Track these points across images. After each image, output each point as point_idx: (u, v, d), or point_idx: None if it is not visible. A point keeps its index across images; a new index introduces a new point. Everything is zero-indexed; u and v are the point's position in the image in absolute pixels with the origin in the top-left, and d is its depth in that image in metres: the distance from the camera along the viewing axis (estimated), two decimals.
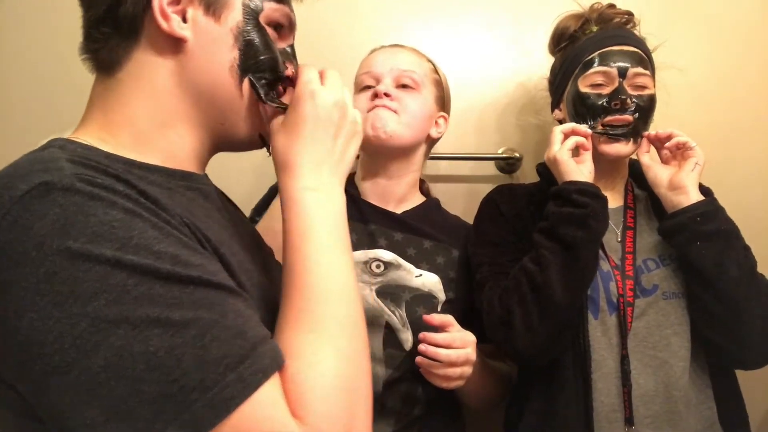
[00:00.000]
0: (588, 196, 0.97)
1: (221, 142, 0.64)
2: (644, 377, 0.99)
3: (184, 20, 0.57)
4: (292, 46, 0.67)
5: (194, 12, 0.57)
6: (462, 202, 1.40)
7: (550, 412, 1.00)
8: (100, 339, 0.40)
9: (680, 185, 1.01)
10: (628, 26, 1.13)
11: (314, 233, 0.55)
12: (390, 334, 1.01)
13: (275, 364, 0.46)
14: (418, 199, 1.19)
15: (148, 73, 0.57)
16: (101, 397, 0.40)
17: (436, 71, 1.18)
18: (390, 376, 1.00)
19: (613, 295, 1.02)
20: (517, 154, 1.46)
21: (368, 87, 1.11)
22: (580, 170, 1.01)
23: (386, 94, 1.07)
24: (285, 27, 0.65)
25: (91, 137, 0.55)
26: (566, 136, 1.05)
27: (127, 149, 0.55)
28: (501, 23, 1.48)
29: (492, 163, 1.48)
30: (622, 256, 1.05)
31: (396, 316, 1.01)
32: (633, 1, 1.46)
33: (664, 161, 1.08)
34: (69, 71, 1.32)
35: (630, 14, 1.14)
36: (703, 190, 1.07)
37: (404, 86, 1.10)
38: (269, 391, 0.44)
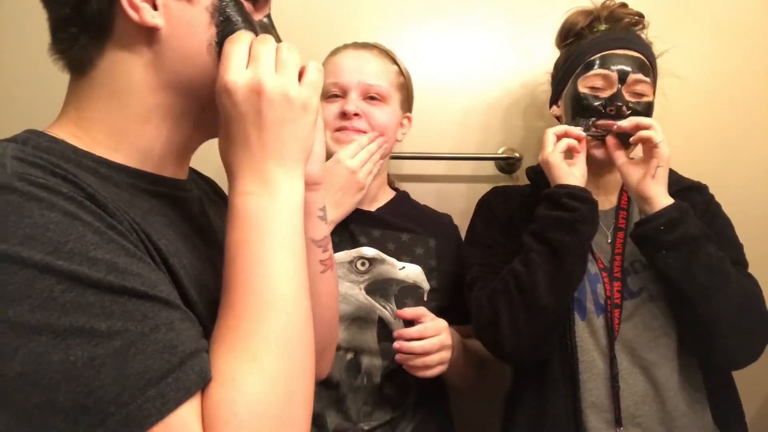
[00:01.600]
0: (578, 200, 0.97)
1: (207, 131, 0.61)
2: (633, 378, 0.99)
3: (155, 8, 0.53)
4: (269, 17, 0.64)
5: None
6: (462, 202, 1.40)
7: (541, 413, 1.01)
8: (20, 344, 0.39)
9: (643, 194, 0.98)
10: (637, 27, 1.11)
11: (251, 242, 0.50)
12: (383, 328, 1.06)
13: (201, 380, 0.43)
14: (389, 194, 1.23)
15: (124, 68, 0.54)
16: (15, 404, 0.39)
17: (401, 73, 1.19)
18: (387, 368, 1.05)
19: (600, 297, 1.02)
20: (517, 154, 1.46)
21: (335, 95, 1.12)
22: (572, 173, 1.01)
23: (355, 114, 1.09)
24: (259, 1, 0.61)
25: (64, 133, 0.54)
26: (559, 138, 1.05)
27: (101, 147, 0.54)
28: (501, 23, 1.48)
29: (492, 163, 1.48)
30: (611, 258, 1.05)
31: (387, 310, 1.05)
32: (636, 2, 1.46)
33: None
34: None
35: (640, 15, 1.11)
36: (687, 189, 1.07)
37: (371, 98, 1.12)
38: (187, 414, 0.41)
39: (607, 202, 1.11)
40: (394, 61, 1.18)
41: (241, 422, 0.42)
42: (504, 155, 1.47)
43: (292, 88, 0.52)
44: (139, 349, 0.41)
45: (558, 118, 1.17)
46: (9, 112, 1.38)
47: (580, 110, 1.05)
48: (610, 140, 1.03)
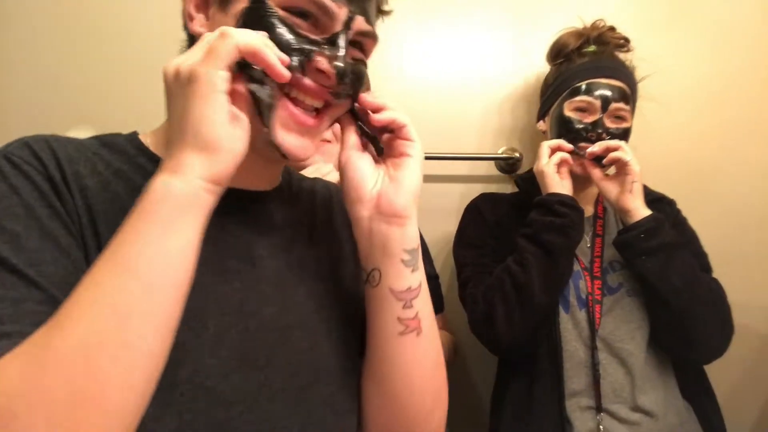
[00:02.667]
0: (568, 207, 1.08)
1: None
2: (612, 367, 1.09)
3: (207, 18, 0.58)
4: (335, 35, 0.56)
5: (213, 10, 0.58)
6: (462, 202, 1.41)
7: (527, 400, 1.10)
8: None
9: (624, 208, 1.09)
10: (623, 50, 1.21)
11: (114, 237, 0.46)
12: None
13: None
14: None
15: None
16: None
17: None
18: None
19: (582, 292, 1.12)
20: (517, 154, 1.47)
21: None
22: (562, 184, 1.11)
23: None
24: (314, 15, 0.55)
25: (155, 130, 0.62)
26: (553, 151, 1.14)
27: (160, 145, 0.59)
28: (501, 23, 1.49)
29: (492, 163, 1.48)
30: (591, 259, 1.16)
31: None
32: (636, 3, 1.47)
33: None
34: (69, 71, 1.37)
35: (627, 40, 1.22)
36: (657, 201, 1.19)
37: None
38: None
39: (585, 210, 1.20)
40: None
41: None
42: (504, 155, 1.47)
43: (185, 62, 0.48)
44: None
45: (543, 133, 1.27)
46: (9, 112, 1.38)
47: (564, 131, 1.16)
48: (587, 162, 1.14)
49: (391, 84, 1.46)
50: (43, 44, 1.38)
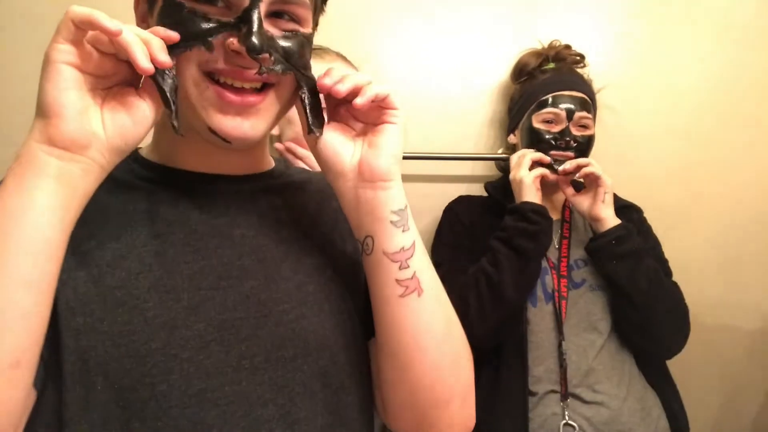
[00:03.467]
0: (541, 216, 1.18)
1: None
2: (576, 356, 1.18)
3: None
4: (245, 13, 0.55)
5: (149, 17, 0.59)
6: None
7: (495, 390, 1.18)
8: None
9: (596, 217, 1.20)
10: (579, 66, 1.34)
11: None
12: None
13: None
14: None
15: None
16: None
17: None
18: None
19: (548, 287, 1.22)
20: None
21: None
22: (536, 194, 1.21)
23: None
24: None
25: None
26: (534, 162, 1.24)
27: (146, 150, 0.66)
28: (501, 23, 1.49)
29: (492, 163, 1.50)
30: (559, 258, 1.26)
31: None
32: (637, 3, 1.44)
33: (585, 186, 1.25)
34: None
35: (582, 56, 1.37)
36: (625, 208, 1.29)
37: None
38: None
39: (553, 214, 1.30)
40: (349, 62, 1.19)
41: None
42: (504, 155, 1.48)
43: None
44: None
45: (514, 145, 1.37)
46: (9, 112, 1.39)
47: (535, 142, 1.27)
48: (561, 179, 1.25)
49: (390, 85, 1.49)
50: (43, 44, 1.43)
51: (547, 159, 1.24)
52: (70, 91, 0.48)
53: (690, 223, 1.53)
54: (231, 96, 0.55)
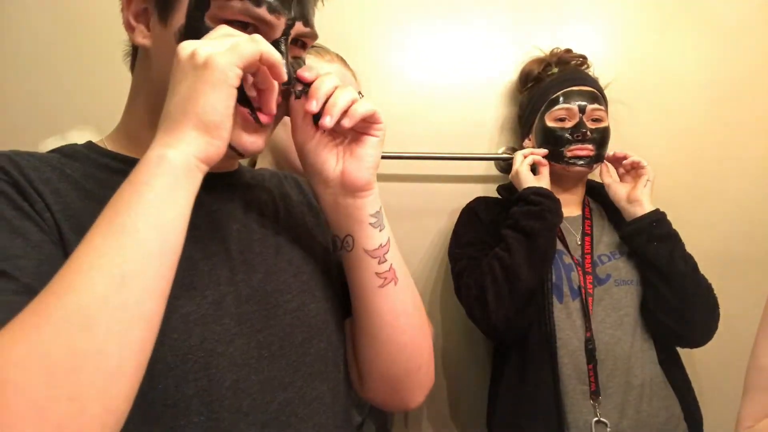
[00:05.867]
0: (542, 196, 1.21)
1: None
2: (604, 354, 1.17)
3: (149, 29, 0.60)
4: (277, 42, 0.59)
5: (153, 22, 0.60)
6: (462, 202, 1.41)
7: (522, 389, 1.17)
8: None
9: (636, 199, 1.24)
10: (583, 67, 1.35)
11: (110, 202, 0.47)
12: None
13: None
14: None
15: (135, 80, 0.65)
16: None
17: (354, 76, 1.15)
18: None
19: (574, 283, 1.22)
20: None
21: None
22: (536, 181, 1.25)
23: None
24: (252, 26, 0.58)
25: (110, 135, 0.67)
26: (525, 157, 1.29)
27: (119, 145, 0.64)
28: (502, 24, 1.50)
29: (492, 163, 1.48)
30: (582, 255, 1.26)
31: None
32: (637, 3, 1.48)
33: (621, 178, 1.31)
34: (69, 71, 1.36)
35: (584, 57, 1.37)
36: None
37: None
38: None
39: (575, 210, 1.34)
40: (348, 66, 1.15)
41: None
42: (504, 155, 1.47)
43: (204, 47, 0.50)
44: None
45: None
46: (9, 112, 1.38)
47: (552, 140, 1.28)
48: (603, 167, 1.31)
49: (392, 85, 1.47)
50: (43, 44, 1.38)
51: (538, 151, 1.29)
52: (231, 115, 0.51)
53: (691, 223, 1.56)
54: (265, 118, 0.59)
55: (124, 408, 0.43)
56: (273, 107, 0.57)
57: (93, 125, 1.13)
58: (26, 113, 1.36)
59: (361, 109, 0.58)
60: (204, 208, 0.62)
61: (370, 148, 0.62)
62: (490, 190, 1.43)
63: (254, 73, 0.54)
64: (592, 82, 1.32)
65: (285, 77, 0.54)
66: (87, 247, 0.44)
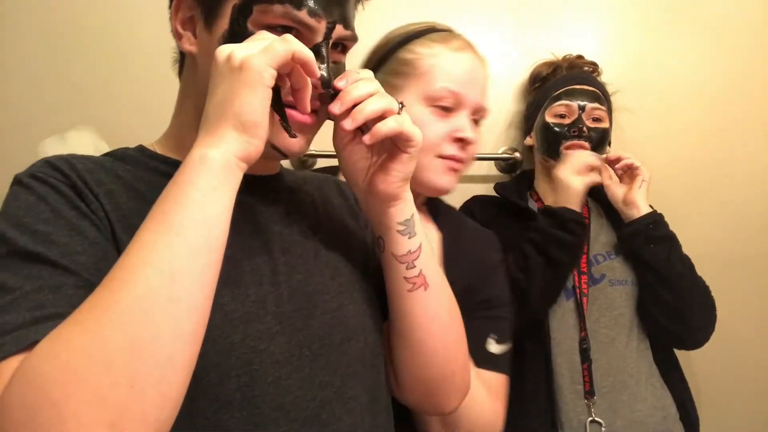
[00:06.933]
0: (581, 226, 1.15)
1: None
2: (599, 353, 1.17)
3: (195, 36, 0.63)
4: (318, 46, 0.60)
5: (199, 28, 0.62)
6: (462, 202, 1.41)
7: (516, 388, 1.12)
8: None
9: (632, 202, 1.21)
10: (594, 75, 1.34)
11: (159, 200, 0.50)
12: None
13: (14, 345, 0.45)
14: None
15: (182, 86, 0.68)
16: None
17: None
18: None
19: (568, 283, 1.20)
20: (518, 154, 1.47)
21: (440, 109, 0.89)
22: (580, 203, 1.18)
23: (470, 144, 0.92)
24: (294, 30, 0.58)
25: (159, 139, 0.70)
26: (590, 168, 1.20)
27: (167, 149, 0.67)
28: (503, 23, 1.49)
29: (492, 163, 1.48)
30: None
31: None
32: (638, 3, 1.48)
33: (619, 179, 1.28)
34: (69, 71, 1.36)
35: (595, 64, 1.37)
36: None
37: (475, 121, 0.94)
38: (9, 366, 0.44)
39: None
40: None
41: (25, 382, 0.42)
42: (504, 155, 1.47)
43: (240, 50, 0.52)
44: (18, 303, 0.47)
45: (531, 147, 1.37)
46: (9, 112, 1.38)
47: (550, 136, 1.27)
48: (602, 169, 1.26)
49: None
50: (43, 44, 1.38)
51: (597, 163, 1.21)
52: (267, 115, 0.52)
53: (687, 224, 1.56)
54: (301, 118, 0.60)
55: (177, 397, 0.46)
56: (307, 105, 0.57)
57: (92, 125, 1.15)
58: (26, 113, 1.36)
59: (384, 128, 0.58)
60: (247, 210, 0.64)
61: (398, 163, 0.62)
62: (491, 191, 1.43)
63: (290, 73, 0.55)
64: (597, 83, 1.32)
65: (318, 74, 0.55)
66: (138, 245, 0.47)
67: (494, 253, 0.99)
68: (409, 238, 0.65)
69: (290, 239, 0.67)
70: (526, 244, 1.14)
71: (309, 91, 0.56)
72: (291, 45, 0.52)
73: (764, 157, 1.56)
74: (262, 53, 0.51)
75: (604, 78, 1.36)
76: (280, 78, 0.54)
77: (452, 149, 0.89)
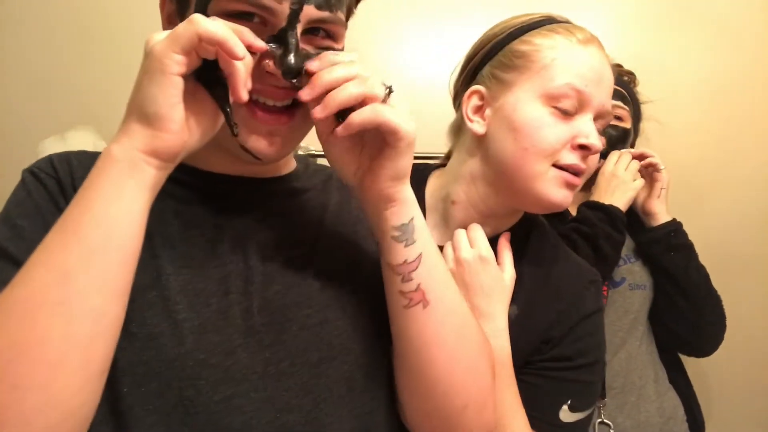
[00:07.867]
0: (626, 227, 1.15)
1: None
2: (610, 355, 1.16)
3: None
4: (282, 31, 0.53)
5: (177, 21, 0.56)
6: None
7: None
8: None
9: (651, 212, 1.21)
10: (630, 85, 1.31)
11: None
12: None
13: None
14: None
15: None
16: None
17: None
18: None
19: None
20: None
21: (560, 110, 0.74)
22: (626, 206, 1.16)
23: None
24: (257, 14, 0.53)
25: None
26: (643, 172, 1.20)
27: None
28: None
29: None
30: None
31: None
32: (638, 3, 1.47)
33: (640, 174, 1.23)
34: (69, 71, 1.36)
35: (632, 74, 1.34)
36: None
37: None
38: None
39: None
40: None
41: None
42: None
43: (154, 37, 0.48)
44: None
45: None
46: (9, 112, 1.38)
47: None
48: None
49: (393, 84, 1.45)
50: (43, 44, 1.38)
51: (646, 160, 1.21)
52: (179, 105, 0.47)
53: (691, 224, 1.55)
54: (263, 116, 0.55)
55: (72, 400, 0.43)
56: (240, 94, 0.48)
57: (92, 125, 1.14)
58: (26, 113, 1.36)
59: (357, 118, 0.51)
60: (229, 215, 0.60)
61: (386, 159, 0.54)
62: None
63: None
64: (623, 83, 1.29)
65: (237, 52, 0.46)
66: (41, 245, 0.45)
67: (589, 301, 0.79)
68: (406, 246, 0.56)
69: (276, 247, 0.60)
70: (574, 233, 1.08)
71: (240, 78, 0.48)
72: (195, 25, 0.45)
73: (764, 156, 1.55)
74: (165, 39, 0.46)
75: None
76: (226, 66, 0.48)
77: (572, 158, 0.74)
